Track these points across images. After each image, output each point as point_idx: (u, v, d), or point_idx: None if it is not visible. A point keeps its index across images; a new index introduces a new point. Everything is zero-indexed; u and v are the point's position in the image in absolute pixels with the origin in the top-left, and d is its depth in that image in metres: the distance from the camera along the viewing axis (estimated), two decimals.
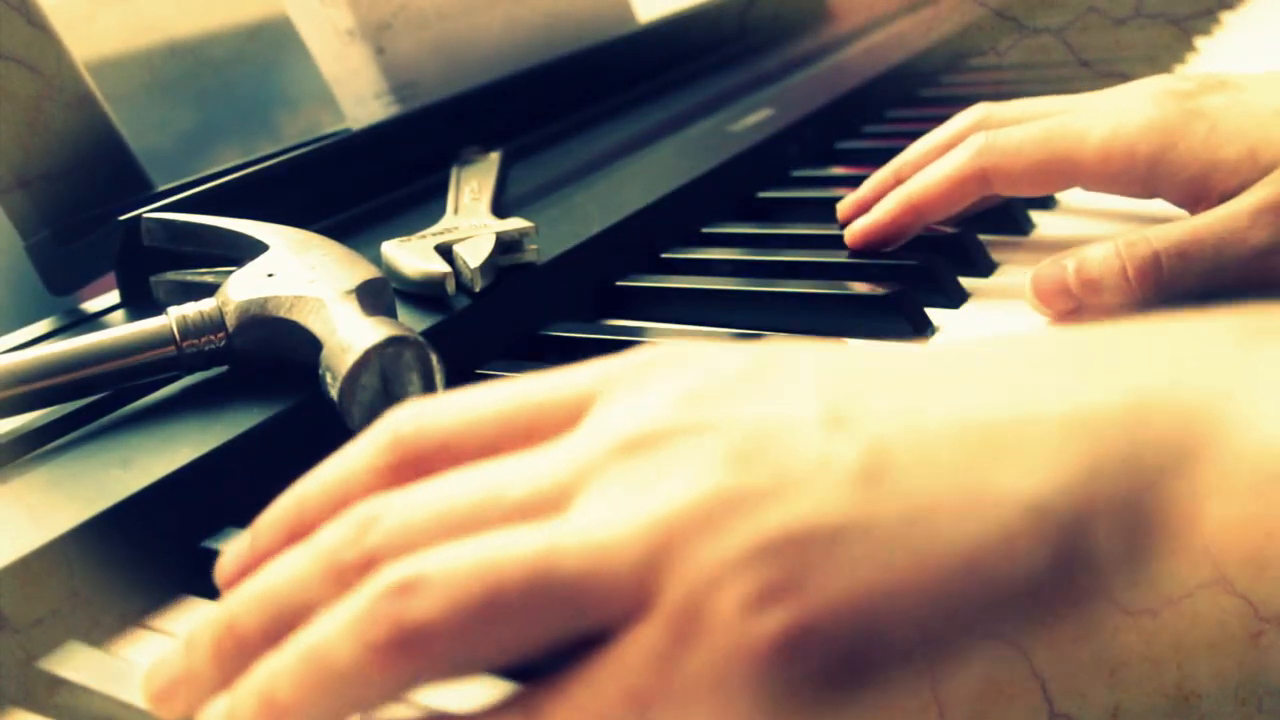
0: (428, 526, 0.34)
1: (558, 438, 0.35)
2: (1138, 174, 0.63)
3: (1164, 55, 1.09)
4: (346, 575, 0.34)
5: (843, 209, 0.72)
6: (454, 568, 0.32)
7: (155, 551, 0.47)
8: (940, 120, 0.78)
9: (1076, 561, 0.31)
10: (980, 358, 0.36)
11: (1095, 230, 0.72)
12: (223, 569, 0.39)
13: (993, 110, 0.70)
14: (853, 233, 0.68)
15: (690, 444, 0.33)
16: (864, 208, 0.70)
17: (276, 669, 0.33)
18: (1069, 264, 0.59)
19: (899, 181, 0.69)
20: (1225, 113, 0.62)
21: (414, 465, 0.37)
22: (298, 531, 0.37)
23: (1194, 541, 0.31)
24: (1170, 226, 0.59)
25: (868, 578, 0.30)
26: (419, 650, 0.31)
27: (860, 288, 0.63)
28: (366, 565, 0.34)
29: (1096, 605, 0.31)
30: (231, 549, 0.39)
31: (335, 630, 0.32)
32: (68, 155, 0.69)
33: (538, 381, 0.38)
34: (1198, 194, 0.61)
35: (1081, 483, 0.31)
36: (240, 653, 0.35)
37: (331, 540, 0.35)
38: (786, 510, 0.31)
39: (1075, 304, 0.59)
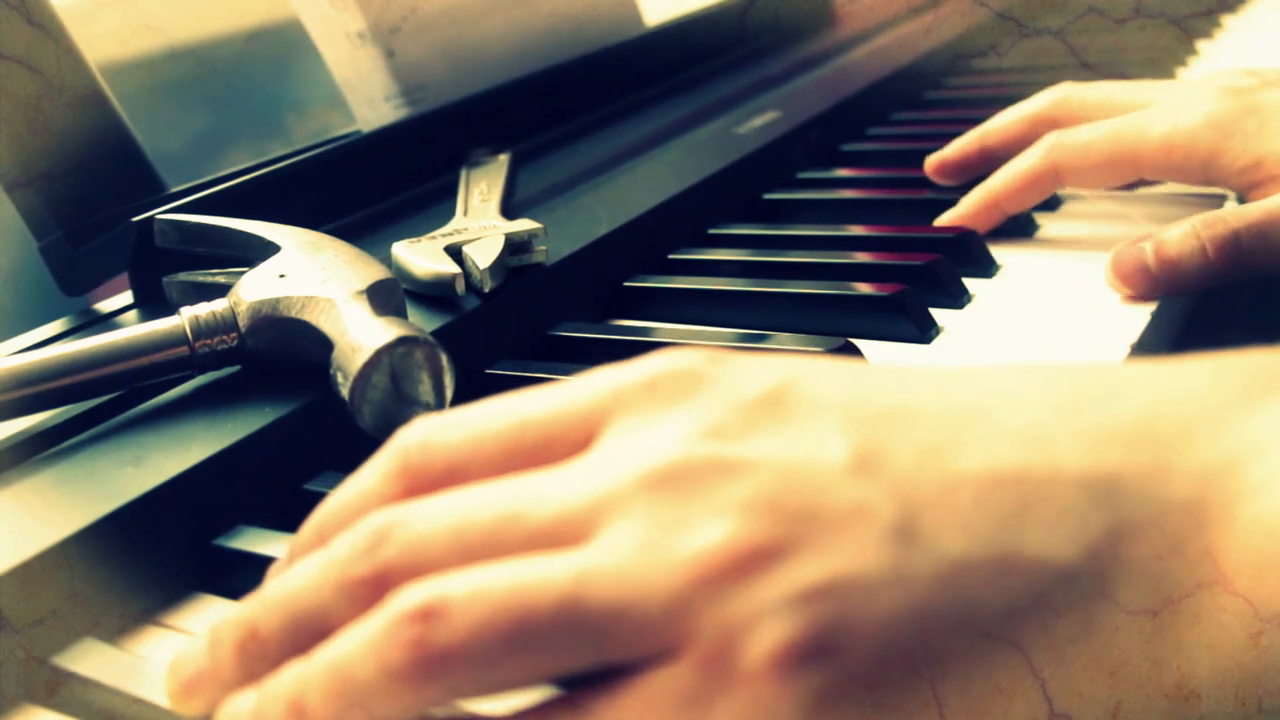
0: (442, 543, 0.34)
1: (571, 460, 0.35)
2: (1195, 165, 0.67)
3: (1165, 58, 1.09)
4: (358, 588, 0.34)
5: (930, 165, 0.80)
6: (480, 594, 0.32)
7: (168, 549, 0.47)
8: (943, 122, 0.78)
9: (1100, 617, 0.31)
10: (1003, 394, 0.36)
11: (1098, 232, 0.73)
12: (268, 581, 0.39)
13: (1073, 92, 0.76)
14: (948, 218, 0.74)
15: (721, 484, 0.33)
16: (945, 168, 0.79)
17: (305, 678, 0.33)
18: (1147, 246, 0.62)
19: (983, 148, 0.78)
20: (1278, 108, 0.66)
21: (424, 488, 0.36)
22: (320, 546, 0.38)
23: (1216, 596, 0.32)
24: (1247, 207, 0.62)
25: (902, 636, 0.30)
26: (440, 674, 0.31)
27: (865, 288, 0.64)
28: (378, 579, 0.34)
29: (1096, 606, 0.31)
30: (272, 570, 0.40)
31: (357, 649, 0.32)
32: (75, 155, 0.69)
33: (545, 398, 0.37)
34: (1252, 182, 0.66)
35: (1107, 546, 0.32)
36: (263, 654, 0.35)
37: (343, 552, 0.35)
38: (821, 563, 0.31)
39: (1153, 283, 0.62)
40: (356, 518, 0.36)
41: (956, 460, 0.33)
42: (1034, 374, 0.37)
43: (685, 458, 0.33)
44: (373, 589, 0.34)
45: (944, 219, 0.74)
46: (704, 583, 0.31)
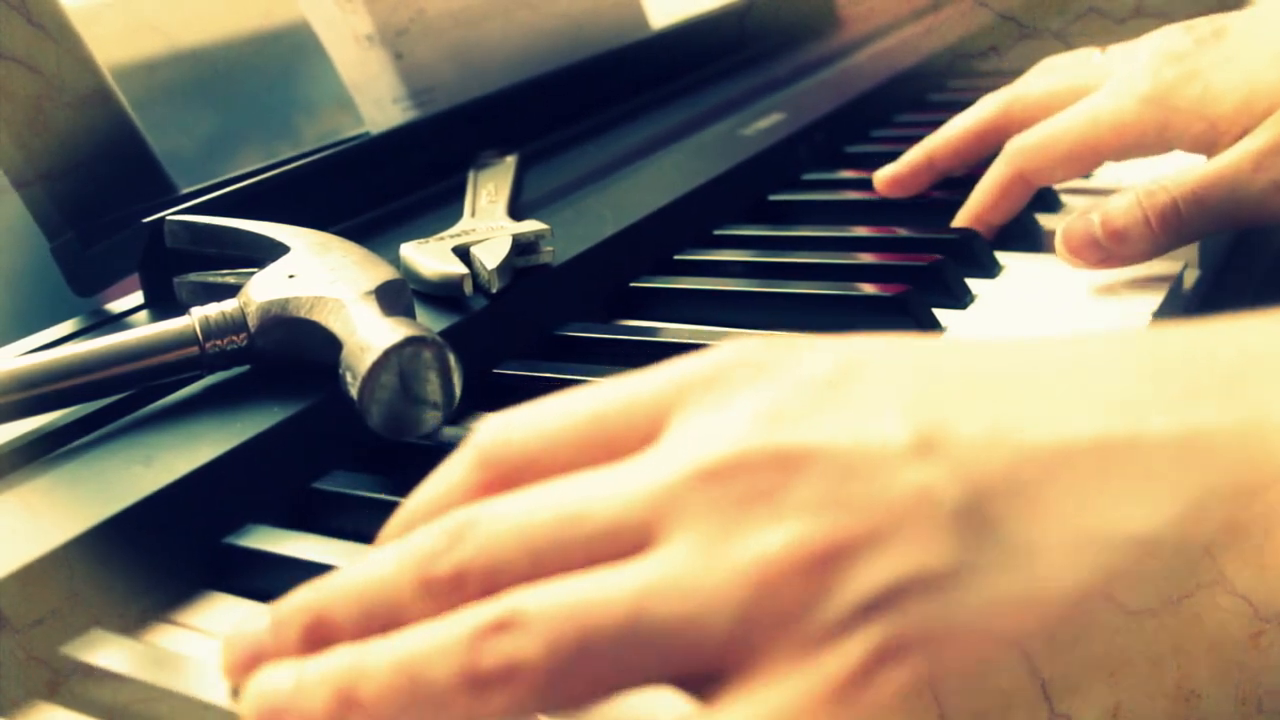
0: (511, 545, 0.34)
1: (636, 455, 0.35)
2: (1151, 141, 0.68)
3: None
4: (437, 586, 0.34)
5: (879, 178, 0.79)
6: (550, 609, 0.32)
7: (178, 547, 0.47)
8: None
9: (1202, 586, 0.31)
10: (1077, 360, 0.35)
11: None
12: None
13: (1015, 96, 0.77)
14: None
15: (778, 481, 0.32)
16: (896, 183, 0.79)
17: (362, 668, 0.33)
18: (1094, 217, 0.63)
19: (931, 162, 0.78)
20: (1217, 70, 0.66)
21: (503, 481, 0.37)
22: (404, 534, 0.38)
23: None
24: (1184, 174, 0.63)
25: (976, 627, 0.30)
26: (512, 685, 0.31)
27: (869, 289, 0.64)
28: (456, 578, 0.34)
29: (1197, 573, 0.31)
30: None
31: (435, 651, 0.32)
32: (80, 155, 0.69)
33: (616, 391, 0.37)
34: (1208, 145, 0.66)
35: (1195, 511, 0.31)
36: (328, 641, 0.35)
37: (424, 549, 0.35)
38: (888, 562, 0.30)
39: (1104, 254, 0.63)
40: (442, 511, 0.36)
41: (1025, 433, 0.32)
42: (1110, 340, 0.36)
43: (742, 451, 0.32)
44: (450, 587, 0.34)
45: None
46: (769, 593, 0.30)
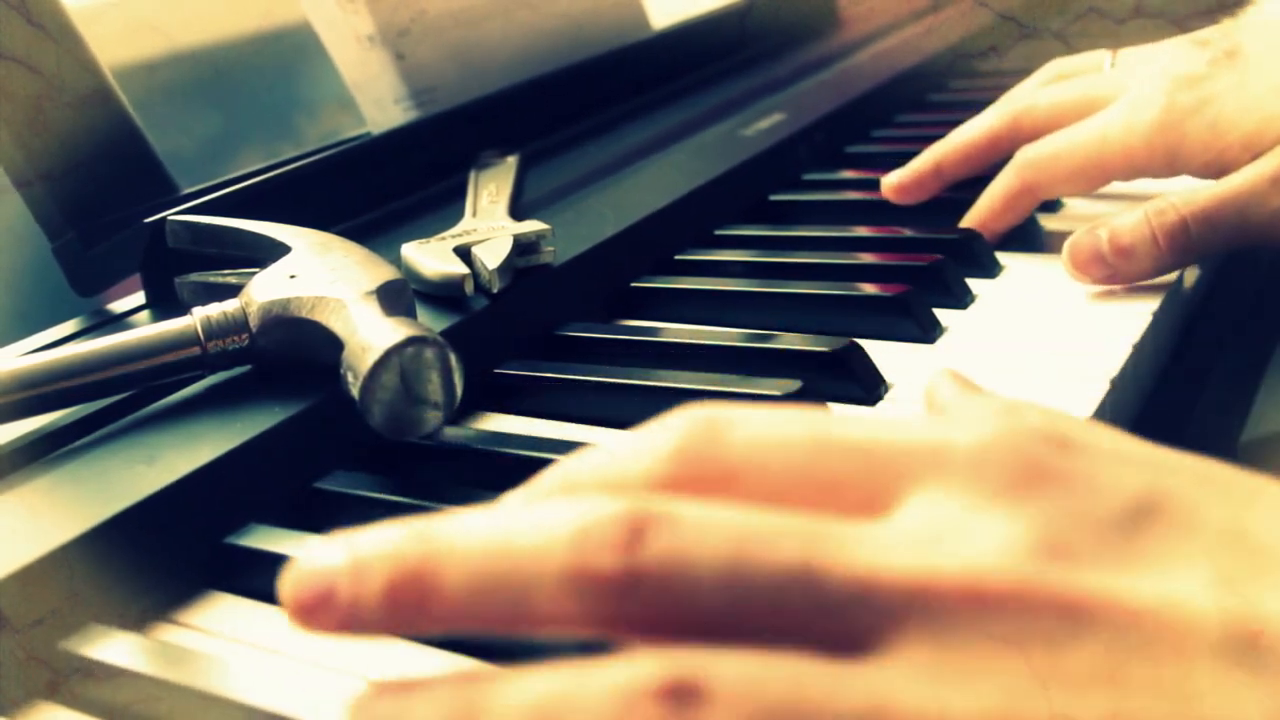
0: (714, 568, 0.27)
1: (870, 519, 0.29)
2: (1159, 165, 0.68)
3: None
4: (594, 584, 0.28)
5: (886, 184, 0.78)
6: (753, 694, 0.26)
7: (180, 547, 0.47)
8: (947, 124, 0.79)
9: None
10: None
11: None
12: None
13: (1024, 106, 0.77)
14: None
15: (1055, 634, 0.26)
16: (902, 189, 0.78)
17: (489, 708, 0.27)
18: (1102, 233, 0.63)
19: (938, 169, 0.78)
20: (1229, 96, 0.66)
21: (693, 485, 0.31)
22: None
23: None
24: (1195, 193, 0.63)
25: None
26: None
27: (869, 289, 0.64)
28: (623, 582, 0.27)
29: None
30: (508, 498, 0.33)
31: (591, 706, 0.26)
32: (80, 155, 0.69)
33: (851, 427, 0.31)
34: (1216, 172, 0.66)
35: None
36: (421, 604, 0.28)
37: (589, 530, 0.28)
38: None
39: (1110, 271, 0.63)
40: (614, 491, 0.30)
41: None
42: None
43: (1020, 580, 0.27)
44: (609, 591, 0.27)
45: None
46: None
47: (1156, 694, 0.26)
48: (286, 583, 0.29)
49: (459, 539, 0.29)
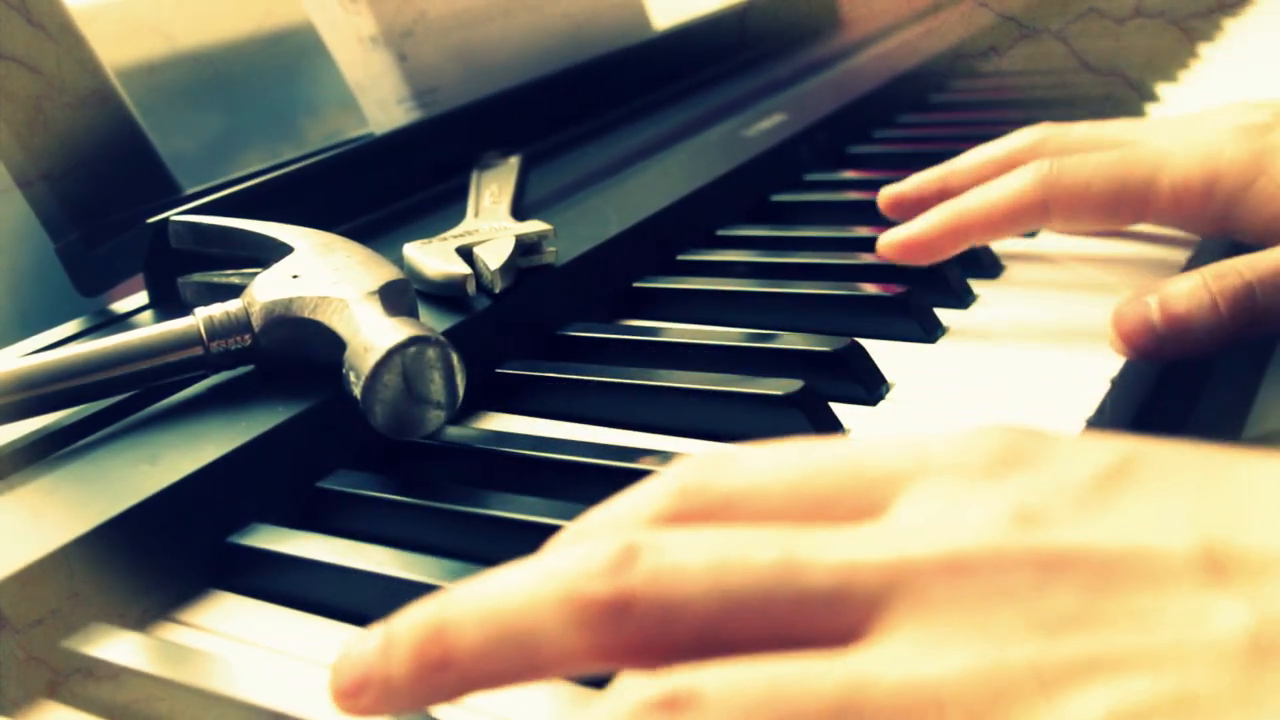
0: (699, 581, 0.29)
1: (858, 523, 0.31)
2: (1213, 213, 0.60)
3: (1166, 60, 1.10)
4: (588, 610, 0.29)
5: (883, 199, 0.72)
6: (740, 696, 0.27)
7: (182, 546, 0.47)
8: (948, 125, 0.79)
9: None
10: None
11: (1098, 240, 0.73)
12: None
13: (1052, 133, 0.68)
14: (889, 244, 0.65)
15: (1033, 584, 0.27)
16: (903, 204, 0.71)
17: None
18: (1152, 301, 0.55)
19: (944, 188, 0.69)
20: None
21: (698, 516, 0.32)
22: None
23: None
24: (1261, 255, 0.55)
25: None
26: None
27: (871, 289, 0.64)
28: (615, 605, 0.29)
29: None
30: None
31: None
32: (81, 155, 0.69)
33: (838, 449, 0.33)
34: (1274, 231, 0.59)
35: None
36: (444, 664, 0.30)
37: (581, 563, 0.30)
38: (1154, 681, 0.25)
39: (1159, 343, 0.55)
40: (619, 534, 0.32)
41: None
42: None
43: (997, 546, 0.28)
44: (606, 615, 0.29)
45: (891, 240, 0.65)
46: (1008, 703, 0.26)
47: (1133, 628, 0.26)
48: (331, 673, 0.32)
49: (472, 596, 0.31)
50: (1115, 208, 0.61)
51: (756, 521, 0.31)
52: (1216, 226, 0.60)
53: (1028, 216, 0.62)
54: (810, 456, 0.33)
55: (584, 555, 0.30)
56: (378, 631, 0.32)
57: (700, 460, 0.34)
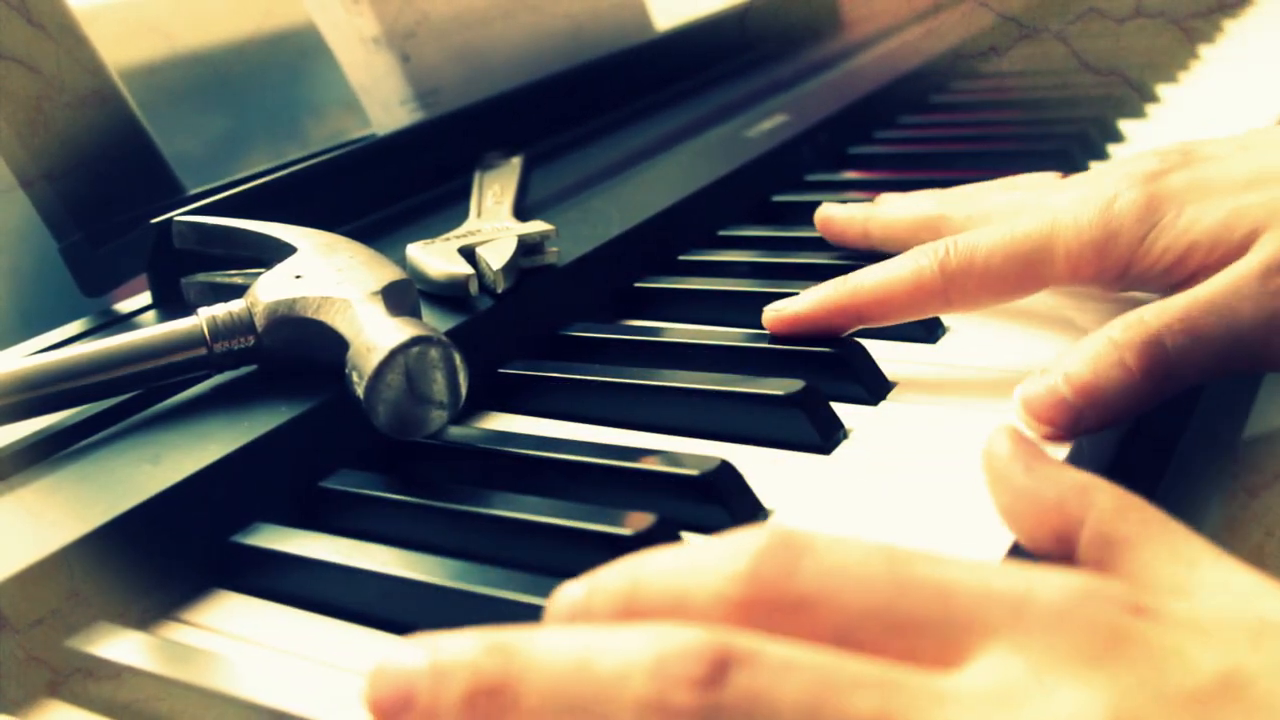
0: (792, 716, 0.28)
1: (944, 671, 0.29)
2: (1112, 273, 0.57)
3: (1166, 60, 1.10)
4: (673, 717, 0.28)
5: (819, 216, 0.72)
6: None
7: (186, 546, 0.48)
8: (948, 125, 0.79)
9: None
10: None
11: None
12: (553, 608, 0.34)
13: (952, 209, 0.66)
14: (777, 315, 0.59)
15: None
16: (828, 229, 0.71)
17: None
18: (1056, 375, 0.50)
19: (865, 233, 0.69)
20: (1191, 191, 0.56)
21: (765, 611, 0.31)
22: (625, 615, 0.33)
23: None
24: (1167, 301, 0.52)
25: None
26: None
27: None
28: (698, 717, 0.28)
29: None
30: (565, 593, 0.34)
31: None
32: (82, 155, 0.69)
33: (930, 573, 0.31)
34: (1177, 279, 0.55)
35: None
36: (492, 715, 0.30)
37: (674, 662, 0.29)
38: None
39: (1076, 417, 0.49)
40: (681, 606, 0.31)
41: None
42: None
43: None
44: None
45: (780, 311, 0.59)
46: None
47: None
48: (369, 681, 0.31)
49: (539, 658, 0.30)
50: (1019, 282, 0.58)
51: (836, 634, 0.30)
52: (1119, 284, 0.58)
53: (930, 304, 0.58)
54: (898, 572, 0.31)
55: (672, 651, 0.29)
56: (425, 653, 0.31)
57: (775, 544, 0.32)
